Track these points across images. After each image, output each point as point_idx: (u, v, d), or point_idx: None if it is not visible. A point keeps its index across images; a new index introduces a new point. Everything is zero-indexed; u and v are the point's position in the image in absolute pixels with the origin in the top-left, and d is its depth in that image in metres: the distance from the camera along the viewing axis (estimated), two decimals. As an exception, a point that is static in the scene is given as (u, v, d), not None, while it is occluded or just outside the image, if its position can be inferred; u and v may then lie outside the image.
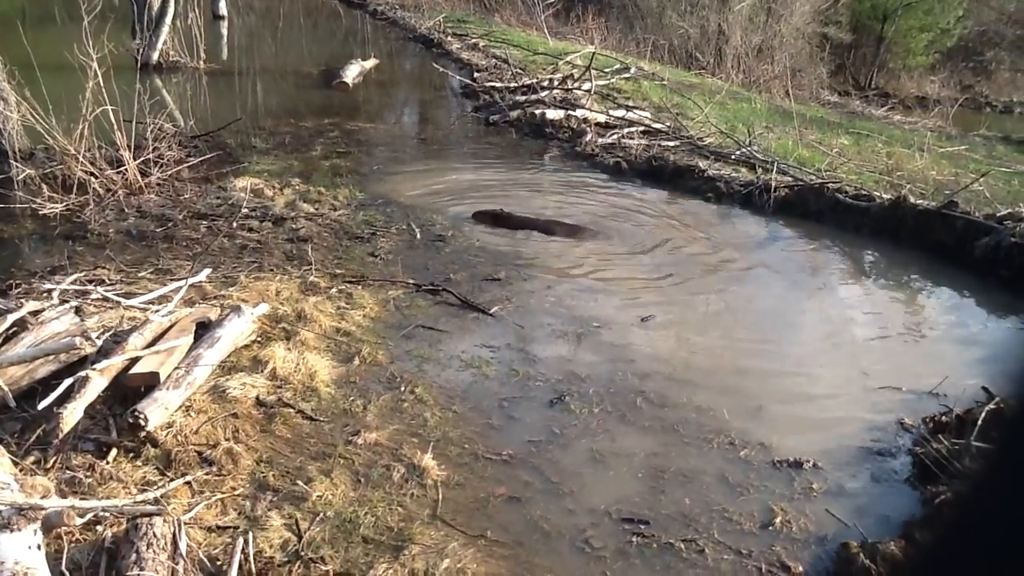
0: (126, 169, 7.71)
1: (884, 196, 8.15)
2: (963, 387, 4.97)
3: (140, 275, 5.93)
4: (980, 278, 6.96)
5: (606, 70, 14.65)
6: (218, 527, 3.50)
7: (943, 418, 4.67)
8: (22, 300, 5.02)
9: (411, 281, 6.19)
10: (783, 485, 4.13)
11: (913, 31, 27.89)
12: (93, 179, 7.52)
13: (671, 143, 10.46)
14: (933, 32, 28.08)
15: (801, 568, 3.59)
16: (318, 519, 3.59)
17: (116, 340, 4.53)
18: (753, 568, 3.57)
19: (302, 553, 3.38)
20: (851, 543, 3.64)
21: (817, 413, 4.87)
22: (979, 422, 4.36)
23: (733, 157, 9.95)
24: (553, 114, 11.57)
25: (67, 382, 3.98)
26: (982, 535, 0.82)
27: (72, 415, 3.84)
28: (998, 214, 7.48)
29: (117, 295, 5.28)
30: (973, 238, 7.21)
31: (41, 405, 3.87)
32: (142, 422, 3.84)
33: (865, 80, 28.09)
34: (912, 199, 7.86)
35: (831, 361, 5.55)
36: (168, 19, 13.96)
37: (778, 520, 3.85)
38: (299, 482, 3.83)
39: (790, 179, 8.91)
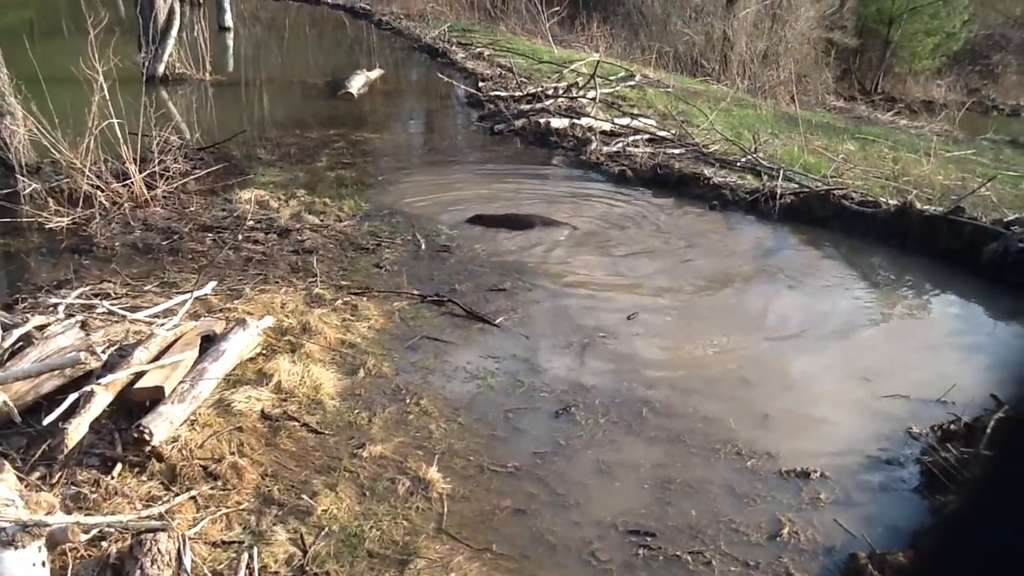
0: (132, 182, 7.74)
1: (890, 202, 8.11)
2: (972, 394, 4.95)
3: (146, 288, 5.94)
4: (988, 284, 6.91)
5: (611, 78, 14.67)
6: (223, 542, 3.50)
7: (951, 426, 4.64)
8: (28, 315, 5.03)
9: (416, 292, 6.19)
10: (790, 495, 4.10)
11: (919, 35, 27.93)
12: (99, 192, 7.55)
13: (676, 150, 10.45)
14: (939, 36, 28.11)
15: (809, 580, 3.57)
16: (323, 533, 3.59)
17: (121, 354, 4.53)
18: (761, 580, 3.55)
19: (307, 568, 3.37)
20: (859, 553, 3.61)
21: (824, 422, 4.83)
22: (988, 430, 4.33)
23: (739, 164, 9.93)
24: (558, 123, 11.57)
25: (72, 397, 3.97)
26: (983, 542, 0.81)
27: (77, 430, 3.83)
28: (1006, 219, 7.44)
29: (123, 309, 5.29)
30: (981, 243, 7.16)
31: (46, 420, 3.87)
32: (147, 437, 3.84)
33: (871, 85, 28.09)
34: (919, 204, 7.82)
35: (838, 369, 5.52)
36: (174, 31, 14.03)
37: (785, 531, 3.82)
38: (304, 496, 3.82)
39: (796, 186, 8.88)
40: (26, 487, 3.54)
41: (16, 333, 4.59)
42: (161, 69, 13.83)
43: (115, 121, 7.75)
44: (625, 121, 11.82)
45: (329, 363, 5.07)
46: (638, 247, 7.56)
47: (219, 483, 3.86)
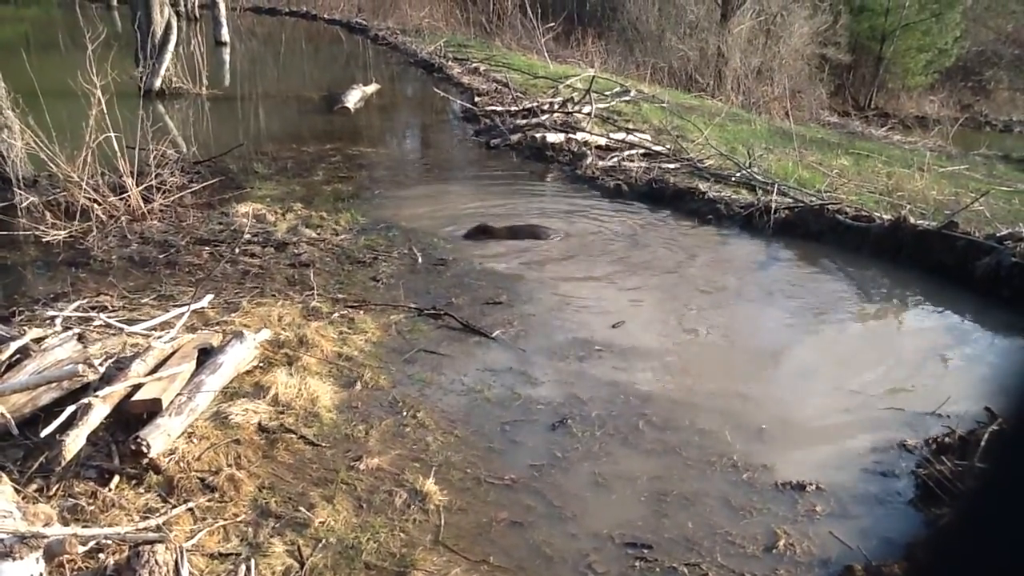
0: (129, 195, 7.77)
1: (884, 217, 8.16)
2: (965, 408, 4.97)
3: (143, 301, 5.95)
4: (981, 298, 6.95)
5: (606, 93, 14.74)
6: (220, 554, 3.50)
7: (946, 439, 4.67)
8: (25, 327, 5.04)
9: (413, 305, 6.21)
10: (786, 507, 4.12)
11: (912, 51, 28.13)
12: (96, 206, 7.57)
13: (671, 165, 10.51)
14: (931, 52, 28.32)
15: (805, 592, 3.58)
16: (320, 545, 3.59)
17: (119, 367, 4.54)
18: (757, 592, 3.56)
19: (304, 580, 3.37)
20: (855, 566, 3.63)
21: (819, 435, 4.86)
22: (982, 443, 4.35)
23: (733, 179, 9.98)
24: (554, 137, 11.62)
25: (70, 409, 3.98)
26: (978, 554, 0.82)
27: (74, 442, 3.84)
28: (999, 234, 7.48)
29: (120, 321, 5.30)
30: (974, 258, 7.21)
31: (44, 432, 3.88)
32: (144, 449, 3.84)
33: (865, 100, 28.28)
34: (912, 219, 7.87)
35: (832, 382, 5.54)
36: (171, 46, 14.10)
37: (781, 543, 3.83)
38: (301, 508, 3.83)
39: (790, 200, 8.93)
40: (23, 499, 3.53)
41: (13, 346, 4.59)
42: (158, 83, 13.90)
43: (112, 135, 7.79)
44: (620, 136, 11.89)
45: (326, 376, 5.08)
46: (634, 261, 7.58)
47: (216, 495, 3.86)
